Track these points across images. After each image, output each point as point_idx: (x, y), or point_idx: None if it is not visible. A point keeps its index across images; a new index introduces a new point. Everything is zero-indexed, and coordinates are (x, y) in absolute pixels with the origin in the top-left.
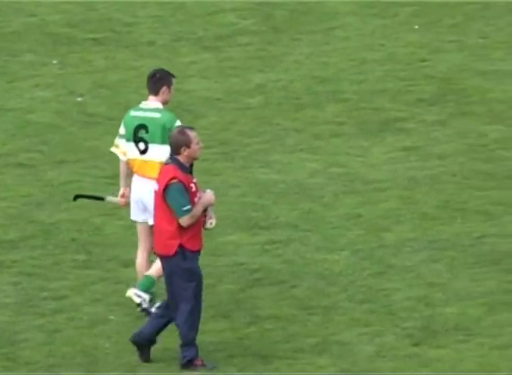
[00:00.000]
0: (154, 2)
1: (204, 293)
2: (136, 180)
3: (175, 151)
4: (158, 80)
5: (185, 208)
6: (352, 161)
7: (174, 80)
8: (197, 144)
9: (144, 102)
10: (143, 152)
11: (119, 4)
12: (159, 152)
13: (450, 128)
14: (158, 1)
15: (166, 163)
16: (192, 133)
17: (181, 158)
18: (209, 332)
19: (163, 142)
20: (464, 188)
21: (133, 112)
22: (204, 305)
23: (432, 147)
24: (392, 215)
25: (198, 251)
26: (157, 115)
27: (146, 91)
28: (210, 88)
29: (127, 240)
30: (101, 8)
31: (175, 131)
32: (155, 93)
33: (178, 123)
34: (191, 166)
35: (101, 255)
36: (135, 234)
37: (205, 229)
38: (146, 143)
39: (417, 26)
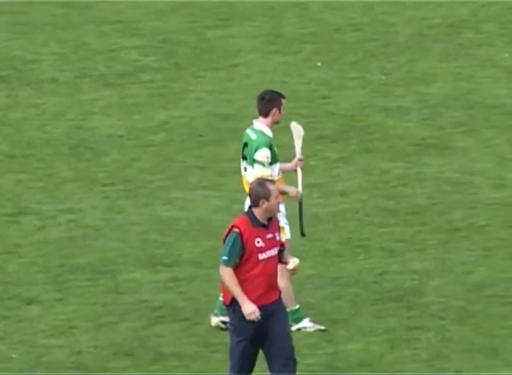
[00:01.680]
0: (55, 39)
1: (106, 330)
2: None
3: (254, 203)
4: (268, 103)
5: (224, 258)
6: None
7: (284, 101)
8: (276, 198)
9: (255, 121)
10: (245, 170)
11: (21, 41)
12: (250, 173)
13: (353, 165)
14: (60, 39)
15: (243, 214)
16: (272, 187)
17: (258, 211)
18: (112, 370)
19: (251, 164)
20: (366, 225)
21: (247, 130)
22: (106, 342)
23: (335, 184)
24: (295, 252)
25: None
26: (254, 136)
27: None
28: (112, 125)
29: (29, 277)
30: (2, 47)
31: (255, 183)
32: (264, 115)
33: (264, 150)
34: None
35: (2, 292)
36: (37, 272)
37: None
38: (246, 161)
39: (319, 64)
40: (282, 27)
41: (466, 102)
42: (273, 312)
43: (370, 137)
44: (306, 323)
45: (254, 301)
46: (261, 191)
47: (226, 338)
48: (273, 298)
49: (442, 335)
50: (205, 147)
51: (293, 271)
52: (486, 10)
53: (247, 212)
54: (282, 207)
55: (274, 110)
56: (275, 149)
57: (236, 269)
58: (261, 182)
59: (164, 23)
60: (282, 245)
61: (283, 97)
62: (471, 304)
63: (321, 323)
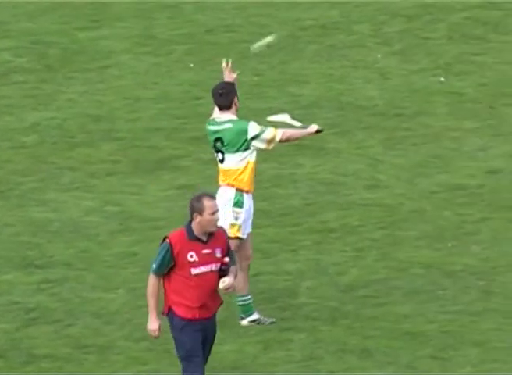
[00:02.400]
0: None
1: None
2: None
3: (190, 216)
4: (228, 95)
5: (153, 265)
6: (127, 199)
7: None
8: (212, 214)
9: (217, 115)
10: (221, 162)
11: None
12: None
13: None
14: None
15: (183, 225)
16: (208, 203)
17: (193, 224)
18: None
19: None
20: None
21: (211, 126)
22: None
23: (208, 185)
24: None
25: (190, 321)
26: (229, 125)
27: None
28: None
29: None
30: None
31: (193, 196)
32: (228, 107)
33: (251, 123)
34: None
35: None
36: None
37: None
38: (223, 153)
39: (192, 65)
40: (153, 28)
41: (338, 103)
42: (205, 328)
43: None
44: (255, 316)
45: (186, 312)
46: (195, 204)
47: (99, 340)
48: (207, 314)
49: (314, 336)
50: (77, 148)
51: (226, 290)
52: (358, 11)
53: (186, 224)
54: (247, 203)
55: (235, 99)
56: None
57: (169, 278)
58: (199, 196)
59: (35, 25)
60: (224, 264)
61: (234, 83)
62: (343, 305)
63: (270, 317)
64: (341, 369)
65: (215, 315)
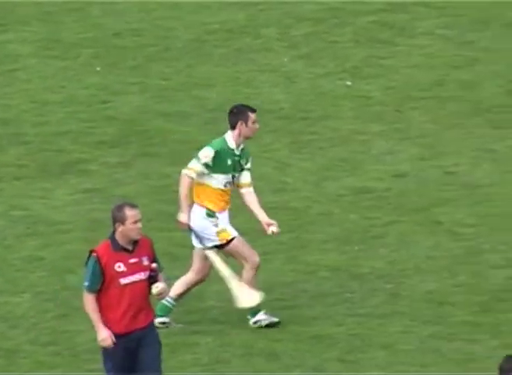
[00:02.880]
0: None
1: None
2: None
3: (113, 226)
4: (235, 115)
5: (85, 283)
6: (34, 203)
7: (252, 115)
8: (135, 223)
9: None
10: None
11: None
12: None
13: (133, 170)
14: None
15: (107, 237)
16: (130, 212)
17: (117, 234)
18: None
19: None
20: (147, 230)
21: None
22: None
23: (115, 188)
24: (75, 256)
25: (121, 336)
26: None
27: None
28: None
29: None
30: None
31: (114, 206)
32: (232, 127)
33: (206, 149)
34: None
35: None
36: None
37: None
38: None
39: (99, 68)
40: (60, 32)
41: None
42: (142, 338)
43: (150, 142)
44: (261, 316)
45: (119, 328)
46: (117, 214)
47: (5, 344)
48: (142, 323)
49: (222, 339)
50: None
51: (159, 296)
52: (265, 15)
53: (110, 235)
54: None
55: (239, 123)
56: (230, 161)
57: (100, 294)
58: (120, 205)
59: None
60: (152, 270)
61: (253, 110)
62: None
63: (274, 315)
64: (248, 372)
65: (151, 324)
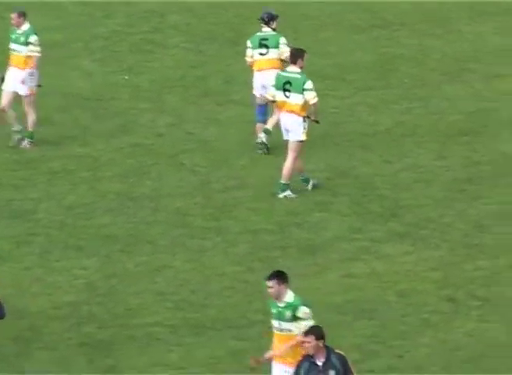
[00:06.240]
0: None
1: None
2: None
3: None
4: (294, 54)
5: None
6: None
7: (305, 54)
8: None
9: (289, 67)
10: (287, 97)
11: None
12: (299, 98)
13: None
14: None
15: None
16: None
17: None
18: None
19: (301, 92)
20: None
21: (282, 73)
22: None
23: None
24: None
25: None
26: (298, 75)
27: None
28: None
29: None
30: None
31: None
32: (293, 62)
33: (309, 82)
34: None
35: None
36: None
37: None
38: (289, 92)
39: None
40: None
41: None
42: None
43: None
44: (288, 192)
45: None
46: None
47: None
48: None
49: None
50: None
51: None
52: None
53: None
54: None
55: (299, 59)
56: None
57: None
58: None
59: None
60: None
61: (305, 51)
62: None
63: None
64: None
65: None
